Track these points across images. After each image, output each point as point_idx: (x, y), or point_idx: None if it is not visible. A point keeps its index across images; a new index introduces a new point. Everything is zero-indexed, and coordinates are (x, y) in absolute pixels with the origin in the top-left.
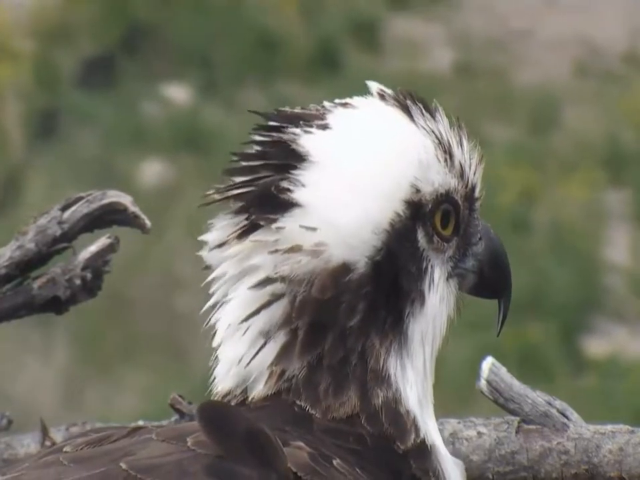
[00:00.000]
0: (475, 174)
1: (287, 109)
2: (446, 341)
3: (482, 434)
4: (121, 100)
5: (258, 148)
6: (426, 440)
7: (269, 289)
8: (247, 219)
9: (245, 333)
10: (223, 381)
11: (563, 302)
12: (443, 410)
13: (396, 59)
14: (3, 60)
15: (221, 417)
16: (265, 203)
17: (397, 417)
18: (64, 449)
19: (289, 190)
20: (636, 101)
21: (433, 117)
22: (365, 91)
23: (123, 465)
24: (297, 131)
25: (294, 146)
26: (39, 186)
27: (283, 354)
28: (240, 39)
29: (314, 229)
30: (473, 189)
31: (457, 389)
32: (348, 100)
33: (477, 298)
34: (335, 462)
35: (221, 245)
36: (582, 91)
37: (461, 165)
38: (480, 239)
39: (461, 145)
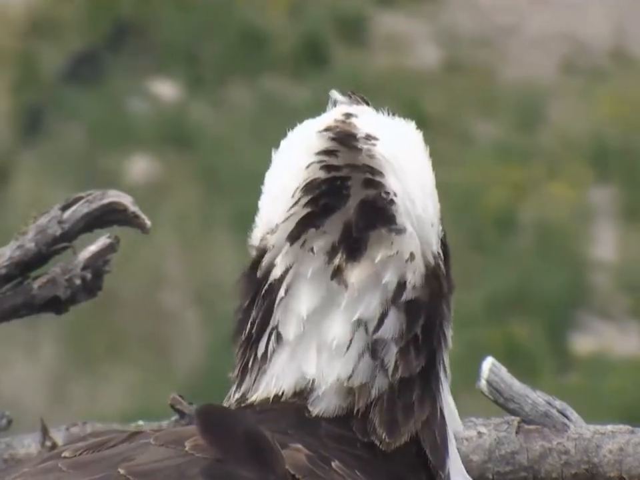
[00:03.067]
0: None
1: (333, 127)
2: None
3: (482, 434)
4: (107, 96)
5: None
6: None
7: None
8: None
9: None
10: (330, 371)
11: (550, 299)
12: None
13: (382, 55)
14: None
15: (219, 420)
16: (369, 215)
17: (438, 449)
18: (63, 454)
19: (388, 201)
20: (622, 98)
21: None
22: (351, 88)
23: (121, 471)
24: (365, 145)
25: (368, 159)
26: (25, 182)
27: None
28: (226, 35)
29: (415, 238)
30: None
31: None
32: (350, 110)
33: (461, 295)
34: (333, 464)
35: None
36: (568, 88)
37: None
38: None
39: None
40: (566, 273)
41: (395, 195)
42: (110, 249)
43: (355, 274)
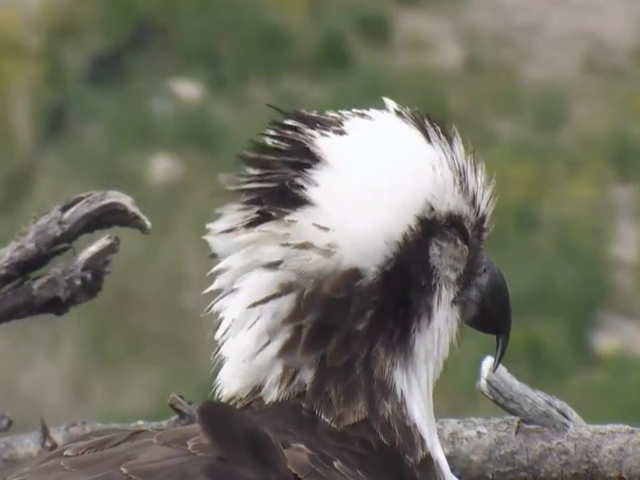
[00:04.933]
0: (487, 204)
1: (305, 110)
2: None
3: (482, 434)
4: (128, 96)
5: (274, 141)
6: (432, 455)
7: (279, 277)
8: (258, 210)
9: (251, 326)
10: (229, 383)
11: (571, 299)
12: (446, 409)
13: (404, 55)
14: (11, 57)
15: (221, 419)
16: (278, 196)
17: (405, 430)
18: (64, 453)
19: (302, 187)
20: None
21: (449, 140)
22: (373, 88)
23: (124, 470)
24: (314, 132)
25: (309, 146)
26: (47, 183)
27: (287, 350)
28: (247, 35)
29: (327, 229)
30: (483, 218)
31: (462, 388)
32: (365, 111)
33: None
34: (335, 463)
35: (228, 232)
36: (589, 87)
37: (473, 193)
38: (484, 270)
39: (475, 173)
40: (587, 271)
41: (317, 185)
42: (110, 249)
43: (238, 239)
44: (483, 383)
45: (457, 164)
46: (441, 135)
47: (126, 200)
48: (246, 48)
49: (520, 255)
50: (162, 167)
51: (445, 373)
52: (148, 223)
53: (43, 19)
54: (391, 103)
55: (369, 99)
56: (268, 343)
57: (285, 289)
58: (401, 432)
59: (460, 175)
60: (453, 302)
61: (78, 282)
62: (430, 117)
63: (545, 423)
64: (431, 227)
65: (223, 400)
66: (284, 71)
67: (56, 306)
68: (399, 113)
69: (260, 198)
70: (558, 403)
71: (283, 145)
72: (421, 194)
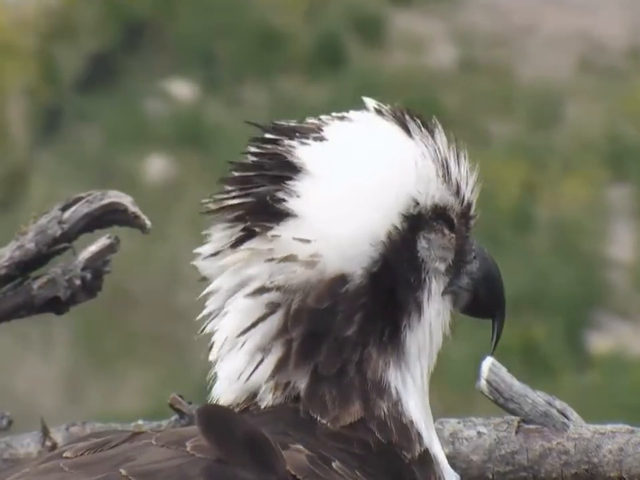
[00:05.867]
0: (471, 192)
1: (284, 122)
2: (446, 343)
3: (482, 434)
4: (123, 97)
5: (254, 159)
6: (430, 450)
7: (265, 298)
8: (242, 228)
9: (242, 346)
10: (224, 395)
11: (566, 299)
12: (445, 409)
13: (399, 55)
14: (5, 58)
15: (220, 421)
16: (260, 212)
17: (402, 427)
18: (64, 455)
19: (284, 200)
20: (638, 97)
21: (431, 133)
22: (367, 88)
23: (123, 471)
24: (293, 142)
25: (289, 157)
26: (43, 184)
27: (280, 366)
28: (243, 35)
29: (308, 241)
30: (469, 206)
31: (460, 388)
32: (345, 114)
33: None
34: (334, 464)
35: (215, 254)
36: (584, 87)
37: (457, 183)
38: (474, 257)
39: (458, 163)
40: (582, 272)
41: (299, 196)
42: (110, 249)
43: (225, 261)
44: (482, 383)
45: (439, 156)
46: (422, 128)
47: (126, 200)
48: (241, 48)
49: (515, 255)
50: (157, 167)
51: (445, 373)
52: (148, 223)
53: (37, 19)
54: (370, 102)
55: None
56: (261, 362)
57: (273, 307)
58: (397, 430)
59: (443, 166)
60: (444, 293)
61: (78, 282)
62: (410, 112)
63: (545, 423)
64: (416, 221)
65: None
66: (279, 71)
67: (56, 306)
68: (378, 112)
69: (243, 215)
70: (558, 402)
71: (264, 160)
72: (404, 191)
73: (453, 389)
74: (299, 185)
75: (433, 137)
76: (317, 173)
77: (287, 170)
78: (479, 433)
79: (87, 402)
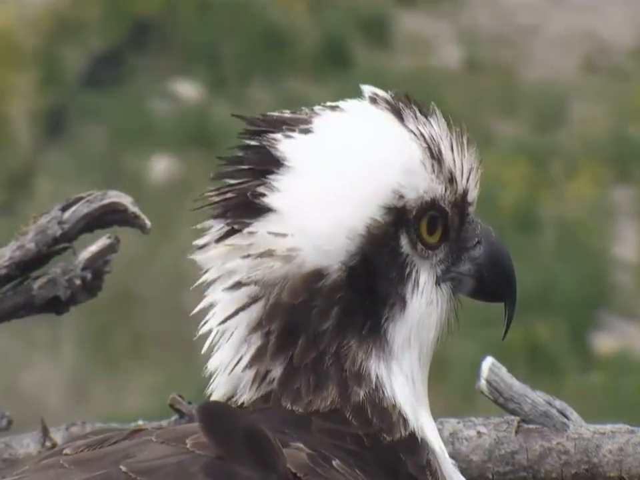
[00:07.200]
0: (467, 179)
1: (274, 113)
2: (446, 341)
3: (482, 434)
4: (129, 97)
5: (239, 153)
6: (416, 433)
7: (245, 292)
8: (226, 224)
9: (229, 339)
10: (217, 389)
11: (571, 299)
12: (445, 409)
13: (404, 55)
14: (11, 58)
15: (220, 418)
16: (241, 208)
17: (381, 410)
18: (64, 452)
19: (263, 195)
20: None
21: (426, 119)
22: (373, 87)
23: (123, 468)
24: (278, 135)
25: (272, 151)
26: (48, 183)
27: (257, 356)
28: (248, 36)
29: (285, 235)
30: (464, 194)
31: (460, 388)
32: (338, 103)
33: None
34: (334, 463)
35: (203, 247)
36: (589, 87)
37: (450, 171)
38: (478, 242)
39: (453, 149)
40: (587, 272)
41: (279, 191)
42: (110, 249)
43: (209, 255)
44: (482, 383)
45: (432, 144)
46: (417, 114)
47: (126, 199)
48: (246, 48)
49: (520, 255)
50: (162, 166)
51: (445, 373)
52: (148, 223)
53: (42, 19)
54: (367, 89)
55: None
56: (245, 353)
57: (253, 299)
58: (376, 413)
59: (433, 155)
60: (439, 281)
61: (78, 282)
62: (408, 98)
63: (545, 423)
64: (401, 215)
65: None
66: (284, 72)
67: (56, 306)
68: (373, 100)
69: (225, 212)
70: (558, 402)
71: (247, 154)
72: (385, 182)
73: (452, 389)
74: (280, 179)
75: (427, 123)
76: (298, 167)
77: (270, 164)
78: (478, 432)
79: (93, 403)
